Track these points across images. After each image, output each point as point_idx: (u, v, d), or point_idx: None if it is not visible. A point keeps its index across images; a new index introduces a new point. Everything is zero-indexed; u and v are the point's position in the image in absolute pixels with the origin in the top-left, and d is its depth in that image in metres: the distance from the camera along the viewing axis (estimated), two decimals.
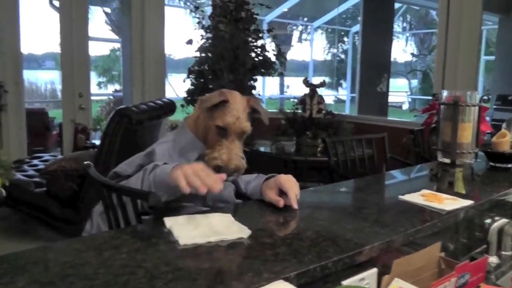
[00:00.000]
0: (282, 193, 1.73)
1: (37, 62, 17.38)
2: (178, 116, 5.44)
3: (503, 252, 1.85)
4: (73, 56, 6.03)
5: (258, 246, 1.36)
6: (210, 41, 6.07)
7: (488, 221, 1.84)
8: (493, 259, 1.78)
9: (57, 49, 6.16)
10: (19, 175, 4.33)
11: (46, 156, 5.21)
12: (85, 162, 1.92)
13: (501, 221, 1.79)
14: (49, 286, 1.08)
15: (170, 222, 1.46)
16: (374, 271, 1.39)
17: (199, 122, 1.87)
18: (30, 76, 14.90)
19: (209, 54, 6.02)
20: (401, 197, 1.90)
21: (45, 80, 15.80)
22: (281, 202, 1.70)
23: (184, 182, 1.45)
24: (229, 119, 1.74)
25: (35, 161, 4.96)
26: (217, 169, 1.69)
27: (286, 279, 1.14)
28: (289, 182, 1.73)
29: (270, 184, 1.78)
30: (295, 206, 1.68)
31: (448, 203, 1.81)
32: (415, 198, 1.88)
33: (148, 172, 1.67)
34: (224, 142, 1.74)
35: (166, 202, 1.65)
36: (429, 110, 3.91)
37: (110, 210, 1.76)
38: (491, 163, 2.58)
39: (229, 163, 1.71)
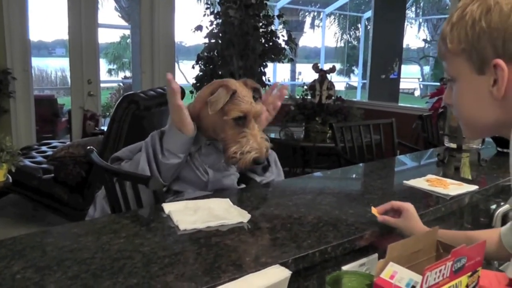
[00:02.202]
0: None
1: (47, 49, 17.42)
2: (187, 102, 5.41)
3: None
4: (82, 42, 6.02)
5: (258, 231, 1.35)
6: (219, 27, 6.03)
7: (493, 206, 1.82)
8: None
9: (67, 36, 6.15)
10: (27, 162, 4.33)
11: (55, 143, 5.20)
12: (88, 147, 1.92)
13: (506, 206, 1.77)
14: (45, 270, 1.08)
15: (168, 207, 1.46)
16: (375, 256, 1.38)
17: (205, 121, 1.75)
18: (40, 63, 14.91)
19: (219, 40, 6.00)
20: (405, 182, 1.88)
21: (55, 67, 15.81)
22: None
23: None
24: (245, 106, 1.65)
25: (44, 148, 4.96)
26: (256, 161, 1.65)
27: (284, 264, 1.14)
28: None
29: None
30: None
31: (453, 188, 1.79)
32: (420, 183, 1.87)
33: (150, 144, 1.72)
34: (246, 131, 1.64)
35: (166, 185, 1.64)
36: (437, 94, 3.88)
37: (112, 195, 1.76)
38: (499, 149, 2.56)
39: (261, 148, 1.64)
